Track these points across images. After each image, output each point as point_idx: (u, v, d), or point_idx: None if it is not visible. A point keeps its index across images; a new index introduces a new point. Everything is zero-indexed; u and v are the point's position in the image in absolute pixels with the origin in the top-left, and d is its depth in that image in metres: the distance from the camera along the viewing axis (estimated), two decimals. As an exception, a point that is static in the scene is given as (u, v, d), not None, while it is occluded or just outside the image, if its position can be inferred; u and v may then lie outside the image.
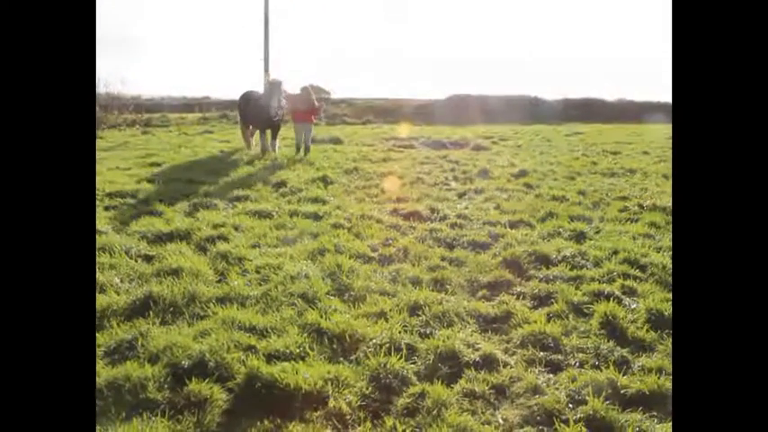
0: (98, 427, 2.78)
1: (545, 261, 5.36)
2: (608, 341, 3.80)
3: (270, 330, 3.81)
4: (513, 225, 6.69)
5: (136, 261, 5.15)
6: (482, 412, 3.07)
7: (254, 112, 12.75)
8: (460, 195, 8.74)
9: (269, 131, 12.82)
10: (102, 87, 20.86)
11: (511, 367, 3.50)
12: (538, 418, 3.03)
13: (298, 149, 12.47)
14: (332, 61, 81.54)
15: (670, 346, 3.72)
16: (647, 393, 3.17)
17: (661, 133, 19.17)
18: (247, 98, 13.08)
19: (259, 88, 16.34)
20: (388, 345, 3.63)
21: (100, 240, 5.54)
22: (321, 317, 3.99)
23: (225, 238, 5.88)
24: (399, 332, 3.80)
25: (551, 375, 3.45)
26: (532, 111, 28.54)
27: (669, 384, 3.23)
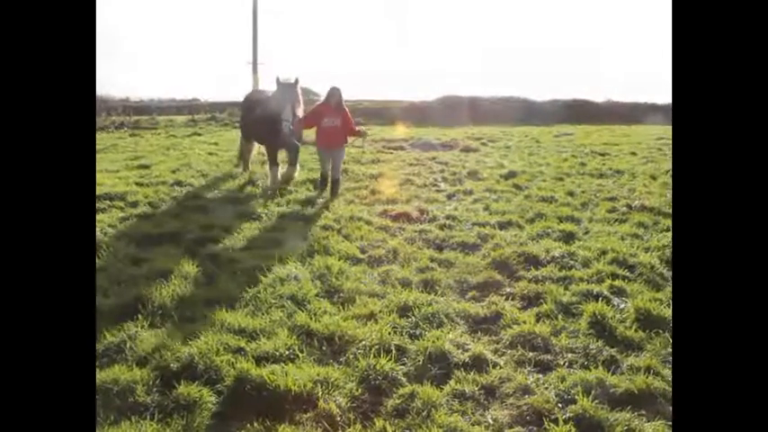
0: None
1: (534, 262, 5.38)
2: (597, 341, 3.82)
3: (259, 332, 3.80)
4: (502, 226, 6.71)
5: (124, 263, 5.12)
6: (472, 413, 3.08)
7: (254, 122, 9.11)
8: (450, 197, 8.76)
9: (275, 152, 8.98)
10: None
11: (500, 368, 3.51)
12: (527, 417, 3.04)
13: (323, 182, 8.69)
14: (323, 62, 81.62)
15: (659, 345, 3.75)
16: (636, 392, 3.19)
17: (648, 134, 19.33)
18: (254, 101, 9.59)
19: (256, 90, 12.61)
20: (377, 346, 3.63)
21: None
22: (310, 319, 3.98)
23: (214, 240, 5.85)
24: (389, 333, 3.80)
25: (541, 375, 3.46)
26: (522, 112, 28.69)
27: (658, 383, 3.25)
